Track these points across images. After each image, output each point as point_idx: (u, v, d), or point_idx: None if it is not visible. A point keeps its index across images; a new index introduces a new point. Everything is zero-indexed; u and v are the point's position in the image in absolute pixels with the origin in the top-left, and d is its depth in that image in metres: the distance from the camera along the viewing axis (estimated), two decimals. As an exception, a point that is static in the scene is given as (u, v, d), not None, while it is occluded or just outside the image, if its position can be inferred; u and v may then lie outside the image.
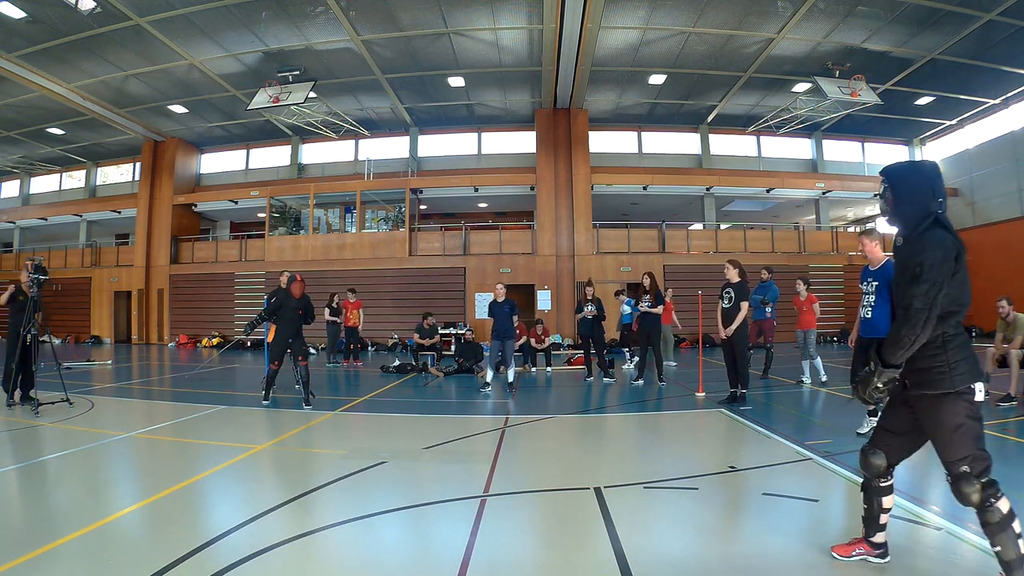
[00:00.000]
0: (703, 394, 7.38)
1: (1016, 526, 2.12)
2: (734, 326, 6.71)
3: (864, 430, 5.03)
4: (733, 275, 6.88)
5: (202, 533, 2.97)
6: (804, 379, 8.43)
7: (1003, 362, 6.77)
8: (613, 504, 3.37)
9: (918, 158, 20.39)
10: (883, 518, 2.51)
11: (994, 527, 2.12)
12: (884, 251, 4.85)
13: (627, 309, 11.12)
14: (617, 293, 11.96)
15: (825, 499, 3.51)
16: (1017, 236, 16.66)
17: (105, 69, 14.70)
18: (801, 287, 8.82)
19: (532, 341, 11.04)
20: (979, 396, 2.20)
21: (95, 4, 11.69)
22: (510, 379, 8.35)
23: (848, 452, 4.54)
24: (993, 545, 2.15)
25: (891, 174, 2.42)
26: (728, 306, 6.85)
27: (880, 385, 2.28)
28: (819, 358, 8.38)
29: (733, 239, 18.88)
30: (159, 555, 2.64)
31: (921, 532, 2.95)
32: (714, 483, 3.81)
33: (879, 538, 2.53)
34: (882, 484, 2.54)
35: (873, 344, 4.77)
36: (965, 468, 2.17)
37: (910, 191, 2.36)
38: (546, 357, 10.99)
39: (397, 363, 11.01)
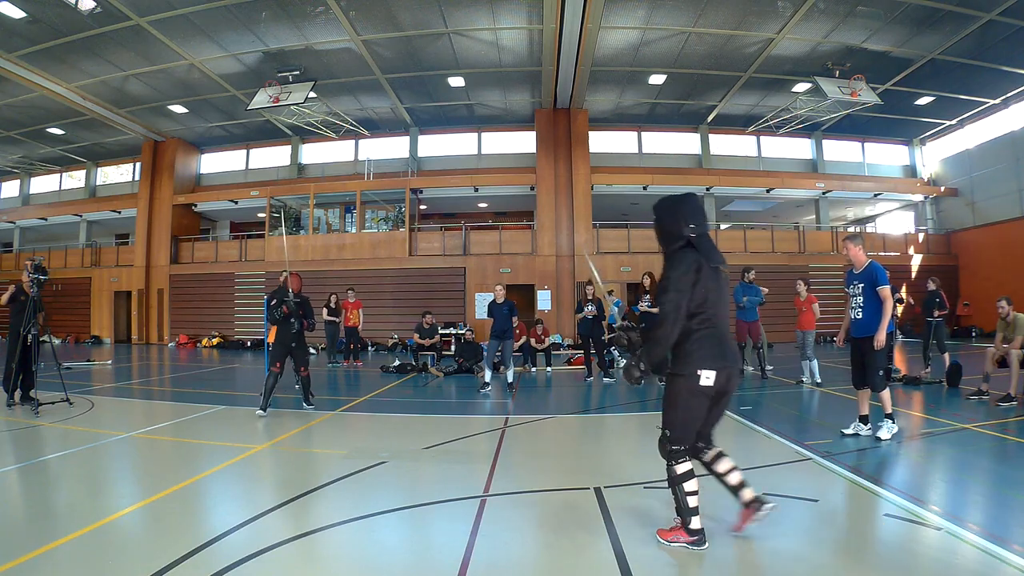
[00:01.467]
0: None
1: (687, 486, 2.73)
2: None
3: (849, 431, 5.10)
4: None
5: (202, 533, 2.97)
6: (804, 379, 8.44)
7: (1003, 362, 6.78)
8: (613, 504, 3.37)
9: (920, 161, 20.43)
10: (693, 501, 2.79)
11: (670, 480, 2.78)
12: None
13: (614, 309, 11.12)
14: (608, 293, 11.97)
15: (825, 499, 3.51)
16: (1017, 236, 16.66)
17: (105, 69, 14.70)
18: (802, 287, 8.83)
19: (532, 341, 11.04)
20: (704, 381, 2.69)
21: (95, 4, 11.70)
22: (509, 379, 8.36)
23: (848, 452, 4.55)
24: (672, 491, 2.78)
25: (655, 208, 2.94)
26: None
27: (638, 374, 2.78)
28: (816, 360, 8.37)
29: (733, 239, 18.87)
30: (159, 555, 2.64)
31: (921, 532, 2.95)
32: (714, 483, 3.80)
33: (695, 524, 2.78)
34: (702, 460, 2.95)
35: (866, 342, 4.95)
36: (667, 432, 2.79)
37: (666, 220, 2.86)
38: (546, 357, 10.99)
39: (397, 363, 11.01)
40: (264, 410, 6.28)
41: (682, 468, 2.76)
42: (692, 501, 2.74)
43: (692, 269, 2.69)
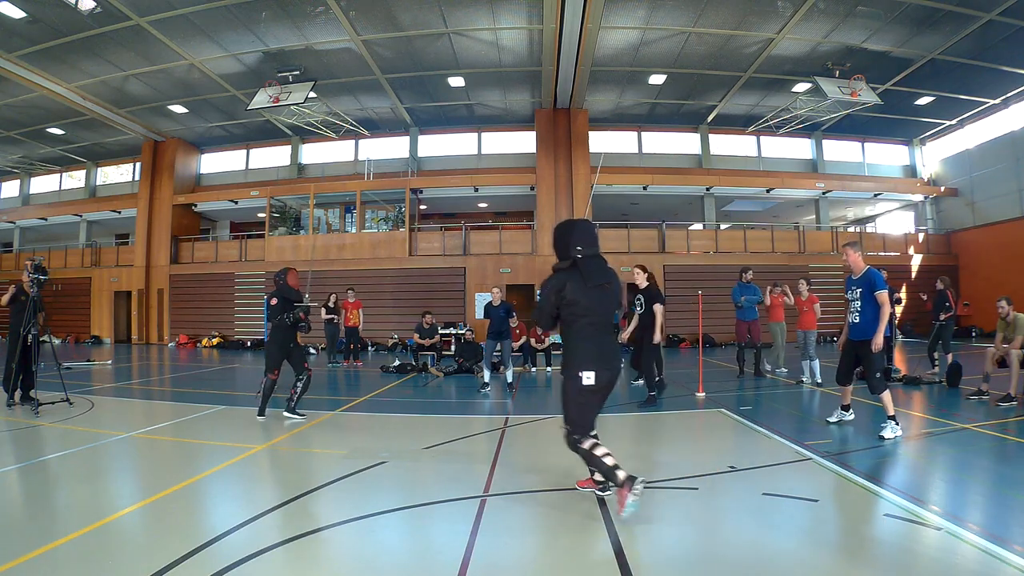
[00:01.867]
0: (703, 394, 7.38)
1: (598, 451, 3.17)
2: (659, 327, 7.08)
3: (833, 419, 5.53)
4: (642, 280, 7.28)
5: (202, 533, 2.97)
6: (804, 379, 8.44)
7: (1003, 362, 6.77)
8: (613, 504, 3.37)
9: (920, 161, 20.41)
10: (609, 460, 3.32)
11: (584, 458, 3.26)
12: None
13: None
14: None
15: (825, 499, 3.51)
16: (1017, 236, 16.66)
17: (105, 69, 14.70)
18: (803, 287, 8.80)
19: (532, 341, 11.04)
20: (586, 381, 3.16)
21: (95, 4, 11.69)
22: (509, 379, 8.36)
23: (848, 452, 4.55)
24: (590, 467, 3.31)
25: (553, 230, 3.43)
26: (642, 311, 7.23)
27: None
28: (818, 360, 8.35)
29: (733, 239, 18.88)
30: (159, 555, 2.64)
31: (921, 532, 2.95)
32: (714, 483, 3.81)
33: (621, 476, 3.22)
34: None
35: (865, 345, 5.08)
36: (567, 427, 3.27)
37: (559, 241, 3.35)
38: (546, 357, 10.99)
39: (397, 363, 11.01)
40: (263, 414, 6.06)
41: (588, 444, 3.22)
42: (609, 461, 3.15)
43: (553, 291, 3.25)
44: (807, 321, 8.59)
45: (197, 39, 13.38)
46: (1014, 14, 12.22)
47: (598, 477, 3.49)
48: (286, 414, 6.07)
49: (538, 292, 3.21)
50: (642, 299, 7.24)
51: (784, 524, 3.11)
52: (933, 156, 20.35)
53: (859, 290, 5.25)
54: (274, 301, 6.09)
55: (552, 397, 8.24)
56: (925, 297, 9.91)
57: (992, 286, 14.77)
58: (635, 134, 19.63)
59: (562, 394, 3.31)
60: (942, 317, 8.64)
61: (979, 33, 13.07)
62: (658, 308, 7.07)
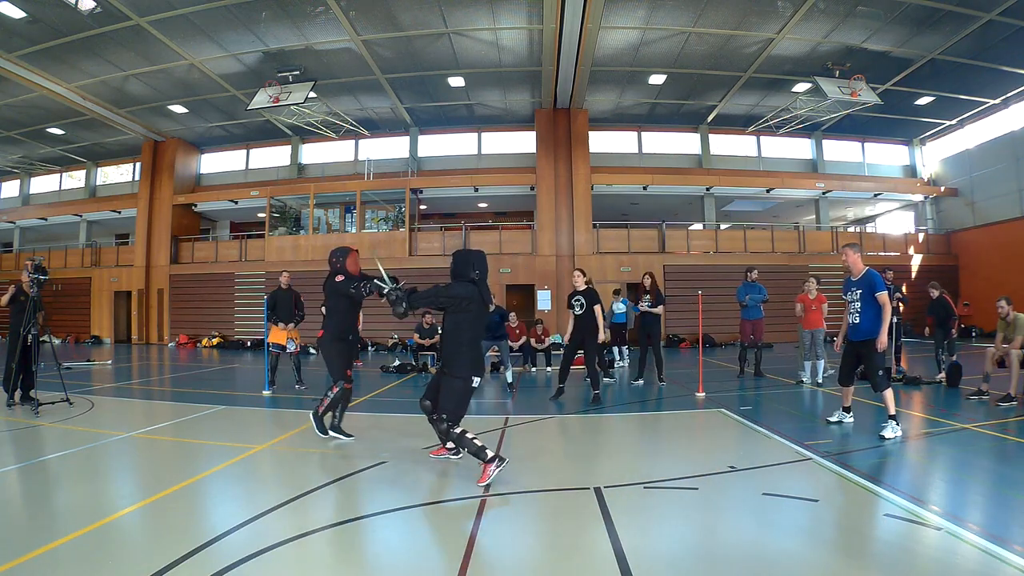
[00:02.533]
0: (703, 394, 7.37)
1: (469, 435, 3.76)
2: (601, 327, 7.25)
3: (834, 419, 5.54)
4: (581, 283, 7.40)
5: (202, 533, 2.97)
6: (804, 379, 8.43)
7: (1003, 362, 6.77)
8: (613, 504, 3.37)
9: (920, 161, 20.39)
10: (477, 441, 3.82)
11: (455, 441, 3.83)
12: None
13: (621, 308, 11.06)
14: (615, 292, 11.95)
15: (825, 499, 3.50)
16: (1017, 236, 16.66)
17: (105, 69, 14.70)
18: (813, 285, 8.74)
19: (532, 341, 11.04)
20: (474, 384, 3.90)
21: (95, 4, 11.69)
22: (509, 379, 8.36)
23: (848, 452, 4.55)
24: (461, 448, 3.92)
25: (453, 255, 4.08)
26: (581, 312, 7.31)
27: (400, 310, 3.97)
28: (823, 360, 8.33)
29: (733, 239, 18.88)
30: (159, 555, 2.64)
31: (921, 532, 2.95)
32: (714, 483, 3.81)
33: (490, 453, 3.77)
34: (435, 418, 3.92)
35: (866, 345, 5.11)
36: (445, 416, 3.81)
37: (460, 265, 3.98)
38: (546, 357, 11.00)
39: (397, 363, 11.01)
40: (341, 433, 5.09)
41: (459, 429, 3.81)
42: (478, 442, 3.75)
43: (467, 297, 3.84)
44: (814, 320, 8.56)
45: (197, 39, 13.38)
46: (1014, 14, 12.22)
47: (450, 445, 4.04)
48: (332, 433, 5.10)
49: (438, 286, 3.80)
50: (582, 301, 7.30)
51: (784, 524, 3.11)
52: (933, 156, 20.36)
53: (859, 291, 5.26)
54: (340, 277, 4.98)
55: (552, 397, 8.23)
56: (927, 328, 9.59)
57: (992, 286, 14.78)
58: (635, 134, 19.63)
59: (449, 392, 3.85)
60: (953, 332, 8.56)
61: (979, 33, 13.06)
62: (598, 309, 7.21)
